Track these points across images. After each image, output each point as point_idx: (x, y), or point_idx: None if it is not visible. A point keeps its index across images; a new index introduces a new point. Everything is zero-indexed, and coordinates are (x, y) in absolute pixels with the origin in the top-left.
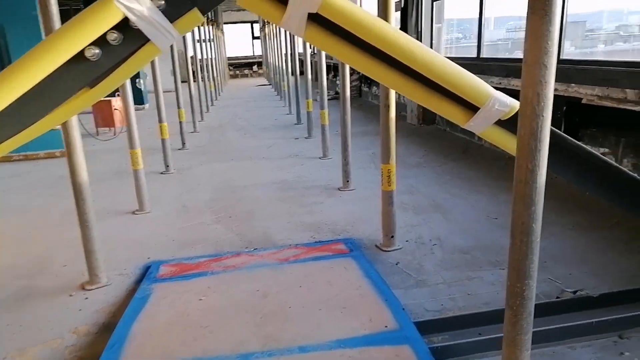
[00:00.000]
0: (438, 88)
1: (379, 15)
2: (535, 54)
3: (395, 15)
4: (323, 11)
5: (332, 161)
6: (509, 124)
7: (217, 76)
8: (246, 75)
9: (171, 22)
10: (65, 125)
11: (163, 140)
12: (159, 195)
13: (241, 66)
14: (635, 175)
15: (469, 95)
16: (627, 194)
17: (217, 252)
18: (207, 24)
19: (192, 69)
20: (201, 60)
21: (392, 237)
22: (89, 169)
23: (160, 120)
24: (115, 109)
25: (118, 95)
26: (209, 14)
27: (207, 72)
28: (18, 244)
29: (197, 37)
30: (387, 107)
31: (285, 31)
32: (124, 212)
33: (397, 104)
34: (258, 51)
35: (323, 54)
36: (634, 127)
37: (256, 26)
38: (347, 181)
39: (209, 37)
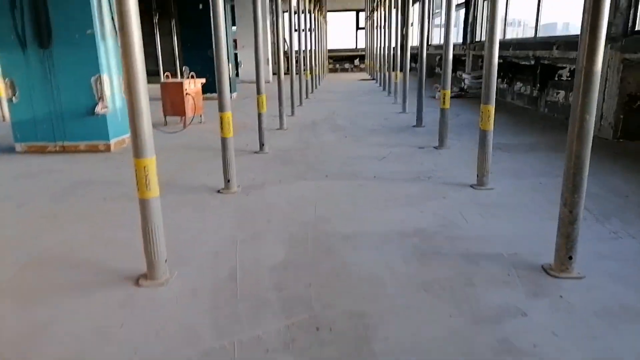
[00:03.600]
0: None
1: None
2: None
3: None
4: None
5: (500, 195)
6: None
7: (315, 67)
8: (346, 70)
9: None
10: None
11: (224, 140)
12: (196, 240)
13: (342, 59)
14: None
15: None
16: None
17: None
18: (311, 11)
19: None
20: (297, 52)
21: None
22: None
23: (221, 108)
24: (187, 94)
25: (191, 76)
26: None
27: (305, 62)
28: None
29: (297, 26)
30: None
31: (396, 19)
32: (120, 278)
33: (561, 105)
34: (361, 44)
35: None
36: None
37: (362, 15)
38: (570, 258)
39: (311, 25)
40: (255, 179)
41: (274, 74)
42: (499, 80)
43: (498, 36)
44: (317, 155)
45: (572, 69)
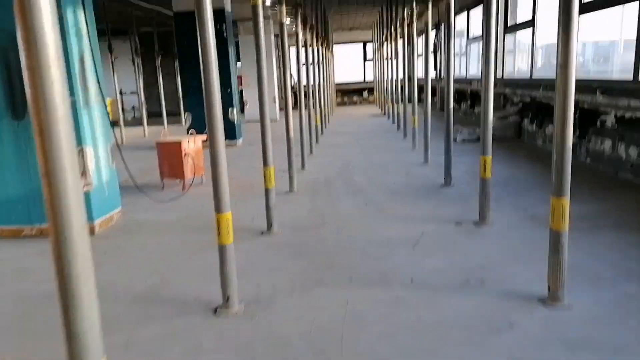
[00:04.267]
0: None
1: None
2: None
3: None
4: None
5: (584, 320)
6: None
7: (324, 105)
8: (355, 103)
9: None
10: None
11: (222, 249)
12: None
13: (350, 92)
14: None
15: None
16: None
17: None
18: (318, 44)
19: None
20: (306, 86)
21: None
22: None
23: (217, 208)
24: (186, 154)
25: (191, 133)
26: (320, 32)
27: (313, 99)
28: None
29: (304, 60)
30: None
31: (405, 51)
32: None
33: (607, 157)
34: (369, 76)
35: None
36: None
37: (369, 46)
38: None
39: (318, 59)
40: (261, 284)
41: (281, 109)
42: (527, 121)
43: (571, 112)
44: (335, 239)
45: (617, 115)
